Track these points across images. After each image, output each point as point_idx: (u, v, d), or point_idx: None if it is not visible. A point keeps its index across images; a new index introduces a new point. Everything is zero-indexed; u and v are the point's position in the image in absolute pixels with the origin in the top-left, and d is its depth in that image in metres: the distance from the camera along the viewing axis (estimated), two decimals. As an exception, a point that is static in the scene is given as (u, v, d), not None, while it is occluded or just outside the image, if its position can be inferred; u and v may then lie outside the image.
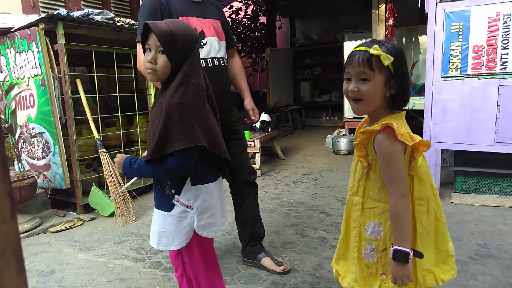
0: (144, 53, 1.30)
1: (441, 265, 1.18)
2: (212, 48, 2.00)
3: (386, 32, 4.51)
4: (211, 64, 1.99)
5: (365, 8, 5.61)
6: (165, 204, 1.33)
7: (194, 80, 1.29)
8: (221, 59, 2.04)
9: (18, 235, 0.31)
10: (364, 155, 1.13)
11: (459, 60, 3.02)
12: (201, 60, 1.93)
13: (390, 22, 4.45)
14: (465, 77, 3.01)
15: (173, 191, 1.32)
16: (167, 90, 1.27)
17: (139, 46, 1.81)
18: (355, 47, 1.11)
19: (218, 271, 1.48)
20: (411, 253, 1.06)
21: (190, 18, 1.96)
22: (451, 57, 3.05)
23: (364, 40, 1.17)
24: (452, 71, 3.06)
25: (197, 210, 1.32)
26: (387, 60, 1.04)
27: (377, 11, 4.53)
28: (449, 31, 3.03)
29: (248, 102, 2.24)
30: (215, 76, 1.95)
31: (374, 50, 1.05)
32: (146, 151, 1.34)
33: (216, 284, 1.45)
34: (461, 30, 2.99)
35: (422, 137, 3.56)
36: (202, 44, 1.97)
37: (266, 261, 2.14)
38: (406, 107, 1.15)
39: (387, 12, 4.45)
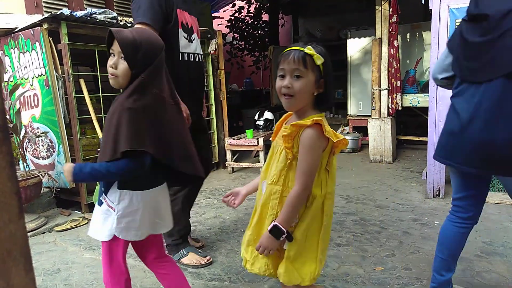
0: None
1: (323, 254, 1.31)
2: (198, 44, 2.14)
3: (390, 29, 4.49)
4: (197, 60, 2.13)
5: (369, 5, 5.58)
6: (99, 198, 1.39)
7: (153, 88, 1.31)
8: (202, 56, 2.19)
9: (26, 235, 0.31)
10: (290, 147, 1.20)
11: (464, 57, 2.99)
12: (190, 54, 2.08)
13: (394, 19, 4.42)
14: (470, 73, 2.99)
15: (103, 189, 1.37)
16: (122, 94, 1.31)
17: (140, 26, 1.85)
18: (290, 47, 1.20)
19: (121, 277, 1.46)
20: (285, 234, 1.18)
21: (184, 12, 2.07)
22: (455, 54, 3.02)
23: (296, 43, 1.25)
24: (457, 67, 3.03)
25: (117, 213, 1.33)
26: (319, 60, 1.15)
27: (380, 8, 4.50)
28: (453, 27, 3.01)
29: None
30: (200, 71, 2.14)
31: (309, 50, 1.15)
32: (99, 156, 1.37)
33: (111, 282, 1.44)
34: (465, 26, 2.97)
35: (426, 134, 3.53)
36: (192, 39, 2.09)
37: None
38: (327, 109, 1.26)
39: (391, 9, 4.42)
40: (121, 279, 1.42)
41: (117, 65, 1.29)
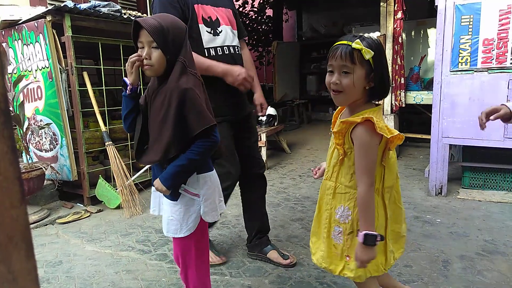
0: (137, 50, 1.33)
1: (394, 245, 1.32)
2: (227, 36, 2.01)
3: (395, 25, 4.45)
4: (227, 52, 1.99)
5: (373, 0, 5.54)
6: (172, 194, 1.36)
7: (191, 69, 1.34)
8: (236, 47, 2.05)
9: (27, 220, 0.31)
10: (341, 143, 1.19)
11: (469, 54, 2.98)
12: (218, 48, 1.97)
13: (399, 15, 4.39)
14: (475, 71, 2.97)
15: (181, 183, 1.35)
16: (169, 79, 1.30)
17: None
18: (338, 41, 1.17)
19: (206, 260, 1.49)
20: (379, 236, 1.15)
21: (205, 6, 1.97)
22: (460, 51, 3.01)
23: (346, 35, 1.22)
24: (462, 65, 3.01)
25: (203, 198, 1.37)
26: (368, 54, 1.11)
27: (385, 4, 4.47)
28: (459, 24, 2.99)
29: (258, 96, 2.18)
30: (233, 63, 1.97)
31: (356, 44, 1.11)
32: (151, 152, 1.34)
33: (203, 275, 1.46)
34: (471, 23, 2.95)
35: (430, 132, 3.52)
36: (218, 32, 1.98)
37: (273, 254, 2.14)
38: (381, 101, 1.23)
39: (396, 5, 4.39)
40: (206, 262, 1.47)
41: (150, 55, 1.29)
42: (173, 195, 1.36)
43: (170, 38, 1.28)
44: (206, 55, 1.92)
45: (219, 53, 1.96)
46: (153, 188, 1.43)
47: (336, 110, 1.32)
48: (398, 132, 1.15)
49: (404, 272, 2.00)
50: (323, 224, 1.28)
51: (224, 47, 1.98)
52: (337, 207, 1.23)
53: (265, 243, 2.20)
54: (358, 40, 1.12)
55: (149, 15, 3.60)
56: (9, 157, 0.28)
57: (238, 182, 2.17)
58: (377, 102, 1.24)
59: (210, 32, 1.95)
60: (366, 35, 1.18)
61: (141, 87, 1.38)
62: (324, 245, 1.27)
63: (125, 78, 1.36)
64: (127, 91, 1.36)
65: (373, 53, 1.11)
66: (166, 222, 1.40)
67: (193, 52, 1.59)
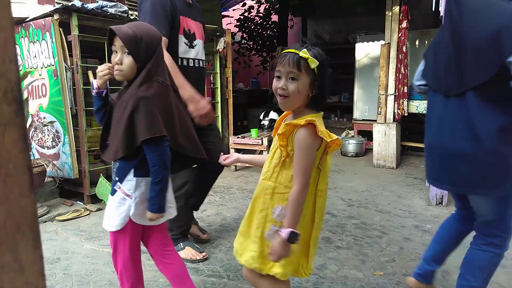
0: (111, 55, 1.39)
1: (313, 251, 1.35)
2: (200, 50, 2.18)
3: (399, 34, 4.47)
4: (197, 65, 2.16)
5: (379, 9, 5.56)
6: (112, 188, 1.44)
7: (157, 77, 1.39)
8: (204, 62, 2.22)
9: (35, 210, 0.31)
10: (285, 145, 1.23)
11: (473, 65, 2.98)
12: (190, 60, 2.12)
13: (404, 24, 4.41)
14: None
15: (117, 178, 1.42)
16: (131, 86, 1.37)
17: (165, 40, 1.91)
18: (287, 49, 1.22)
19: (138, 263, 1.54)
20: (299, 236, 1.19)
21: (187, 19, 2.13)
22: (464, 62, 3.01)
23: (294, 44, 1.29)
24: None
25: (135, 200, 1.40)
26: (313, 63, 1.17)
27: (390, 13, 4.49)
28: (463, 35, 2.99)
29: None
30: (200, 76, 2.17)
31: (303, 53, 1.17)
32: (108, 150, 1.41)
33: (129, 275, 1.50)
34: (476, 34, 2.95)
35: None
36: (194, 44, 2.13)
37: (193, 229, 2.42)
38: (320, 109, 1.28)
39: (401, 14, 4.41)
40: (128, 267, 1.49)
41: (122, 61, 1.36)
42: (112, 190, 1.44)
43: (143, 47, 1.35)
44: (179, 63, 2.04)
45: (190, 65, 2.12)
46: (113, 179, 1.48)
47: (281, 115, 1.37)
48: (337, 137, 1.21)
49: (403, 281, 1.99)
50: (257, 224, 1.28)
51: (196, 60, 2.14)
52: (274, 207, 1.26)
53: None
54: (305, 49, 1.18)
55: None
56: (20, 145, 0.29)
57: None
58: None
59: (187, 44, 2.09)
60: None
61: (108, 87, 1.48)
62: (256, 245, 1.28)
63: (93, 81, 1.42)
64: (93, 93, 1.43)
65: (318, 63, 1.18)
66: (105, 214, 1.47)
67: (174, 64, 1.77)
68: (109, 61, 1.43)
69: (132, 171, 1.39)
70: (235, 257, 1.38)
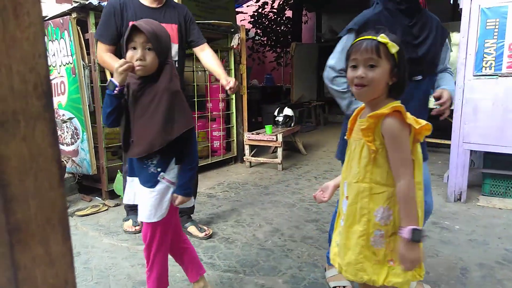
0: (126, 51, 1.42)
1: None
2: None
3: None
4: None
5: (395, 3, 5.46)
6: (150, 181, 1.47)
7: (174, 71, 1.49)
8: (176, 61, 2.28)
9: (65, 203, 0.32)
10: (372, 140, 1.12)
11: (493, 58, 2.91)
12: None
13: (421, 17, 4.31)
14: (499, 76, 2.90)
15: (159, 169, 1.47)
16: (160, 80, 1.42)
17: (101, 44, 2.20)
18: (361, 36, 1.15)
19: (168, 240, 1.60)
20: (425, 232, 1.08)
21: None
22: (484, 55, 2.94)
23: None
24: (486, 69, 2.94)
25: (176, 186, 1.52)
26: (394, 48, 1.10)
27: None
28: (484, 27, 2.92)
29: (224, 78, 2.28)
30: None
31: (382, 38, 1.10)
32: (137, 146, 1.44)
33: (162, 255, 1.58)
34: (497, 27, 2.88)
35: (449, 137, 3.42)
36: None
37: (192, 229, 2.52)
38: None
39: (418, 8, 4.32)
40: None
41: (144, 56, 1.39)
42: (152, 183, 1.47)
43: (163, 43, 1.43)
44: None
45: None
46: (129, 178, 1.56)
47: (352, 116, 1.27)
48: (426, 122, 1.10)
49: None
50: (359, 233, 1.16)
51: None
52: (375, 210, 1.14)
53: (185, 220, 2.55)
54: (383, 34, 1.10)
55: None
56: (50, 139, 0.29)
57: None
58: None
59: None
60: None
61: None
62: (362, 256, 1.15)
63: (112, 79, 1.42)
64: (115, 91, 1.42)
65: (398, 47, 1.10)
66: (141, 208, 1.50)
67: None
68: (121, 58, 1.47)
69: (173, 160, 1.48)
70: (340, 272, 1.23)
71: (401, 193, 1.09)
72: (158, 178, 1.47)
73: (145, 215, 1.47)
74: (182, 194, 1.49)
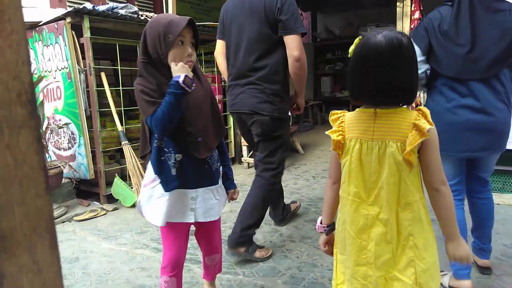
0: (172, 45, 1.29)
1: None
2: None
3: (412, 26, 4.39)
4: None
5: (389, 1, 5.48)
6: (215, 178, 1.48)
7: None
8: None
9: (52, 211, 0.32)
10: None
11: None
12: None
13: (416, 15, 4.33)
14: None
15: (218, 164, 1.51)
16: (202, 78, 1.46)
17: (220, 42, 2.33)
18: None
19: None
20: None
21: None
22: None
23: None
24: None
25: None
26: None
27: (402, 4, 4.42)
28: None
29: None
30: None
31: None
32: (206, 145, 1.41)
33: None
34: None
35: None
36: None
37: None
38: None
39: (413, 5, 4.33)
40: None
41: (191, 53, 1.36)
42: (218, 178, 1.50)
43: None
44: None
45: None
46: (187, 193, 1.39)
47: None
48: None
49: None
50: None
51: None
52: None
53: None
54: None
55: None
56: (35, 146, 0.29)
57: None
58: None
59: None
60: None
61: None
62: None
63: (182, 75, 1.26)
64: (193, 87, 1.28)
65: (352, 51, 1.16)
66: (209, 209, 1.45)
67: None
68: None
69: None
70: None
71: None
72: (220, 172, 1.52)
73: (215, 213, 1.48)
74: (234, 188, 1.60)
